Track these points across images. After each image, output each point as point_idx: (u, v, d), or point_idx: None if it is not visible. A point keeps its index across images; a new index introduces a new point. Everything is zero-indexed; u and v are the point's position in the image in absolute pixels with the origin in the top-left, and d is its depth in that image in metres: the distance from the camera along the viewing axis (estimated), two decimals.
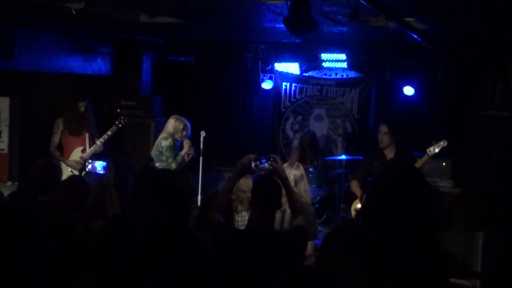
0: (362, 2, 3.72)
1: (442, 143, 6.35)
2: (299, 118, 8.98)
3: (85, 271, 2.89)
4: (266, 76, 8.69)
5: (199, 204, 6.71)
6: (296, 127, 9.01)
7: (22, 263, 2.30)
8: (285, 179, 3.73)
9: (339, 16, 4.64)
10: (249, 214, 4.08)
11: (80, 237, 3.64)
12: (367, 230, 2.06)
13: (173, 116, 7.03)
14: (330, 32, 6.13)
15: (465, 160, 5.86)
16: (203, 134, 7.52)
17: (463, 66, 7.42)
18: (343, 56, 7.94)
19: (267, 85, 8.73)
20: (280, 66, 8.67)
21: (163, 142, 6.81)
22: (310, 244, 4.52)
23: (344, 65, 8.13)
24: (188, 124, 6.95)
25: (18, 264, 2.28)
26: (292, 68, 8.70)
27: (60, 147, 7.12)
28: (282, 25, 4.15)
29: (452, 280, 5.44)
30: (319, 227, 6.84)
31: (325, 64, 8.24)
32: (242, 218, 4.86)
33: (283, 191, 3.68)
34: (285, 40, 7.68)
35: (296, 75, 8.83)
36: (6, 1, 5.04)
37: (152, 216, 3.80)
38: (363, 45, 7.75)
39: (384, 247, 1.99)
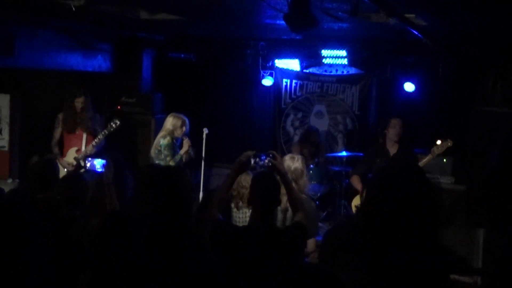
0: None
1: (448, 143, 6.23)
2: (300, 114, 8.98)
3: (85, 269, 2.88)
4: (267, 73, 8.69)
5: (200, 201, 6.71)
6: (297, 123, 9.01)
7: (22, 261, 2.29)
8: (284, 175, 3.71)
9: (340, 13, 4.63)
10: (250, 211, 4.08)
11: (79, 234, 3.64)
12: (368, 227, 2.06)
13: (171, 114, 7.02)
14: (331, 28, 6.12)
15: (466, 156, 5.87)
16: (205, 131, 7.52)
17: (463, 63, 7.40)
18: (343, 53, 7.93)
19: (267, 81, 8.73)
20: (280, 63, 8.67)
21: (161, 140, 6.80)
22: (312, 241, 4.51)
23: (345, 61, 8.12)
24: (187, 121, 6.94)
25: (18, 262, 2.27)
26: (292, 64, 8.69)
27: (61, 143, 7.12)
28: (282, 22, 4.14)
29: (453, 276, 5.44)
30: (320, 224, 6.84)
31: (325, 61, 8.22)
32: (243, 215, 4.86)
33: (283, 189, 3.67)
34: (285, 37, 7.67)
35: (296, 72, 8.82)
36: None
37: (155, 213, 3.80)
38: (363, 41, 7.73)
39: (385, 244, 1.99)
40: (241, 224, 4.68)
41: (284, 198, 3.92)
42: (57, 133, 7.09)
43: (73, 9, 4.92)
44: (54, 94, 7.65)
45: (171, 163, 6.65)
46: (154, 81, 8.82)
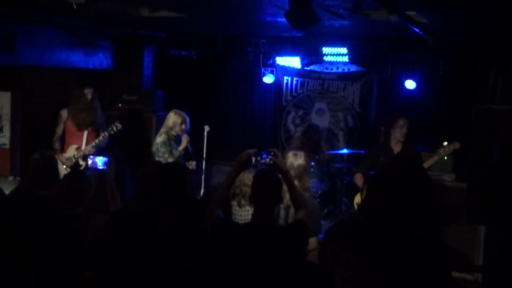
0: None
1: (455, 145, 6.20)
2: (301, 112, 8.98)
3: (88, 266, 2.89)
4: (268, 70, 8.68)
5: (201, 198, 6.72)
6: (298, 121, 9.00)
7: (34, 258, 2.29)
8: (286, 173, 3.70)
9: (341, 10, 4.63)
10: (252, 209, 4.07)
11: (81, 232, 3.65)
12: (368, 225, 2.06)
13: (173, 110, 7.03)
14: (332, 26, 6.11)
15: (467, 154, 5.86)
16: (206, 128, 7.52)
17: (464, 60, 7.40)
18: (344, 50, 7.93)
19: (268, 79, 8.73)
20: (281, 60, 8.67)
21: (158, 138, 6.87)
22: (314, 239, 4.51)
23: (346, 59, 8.12)
24: (187, 119, 6.94)
25: (30, 259, 2.27)
26: (293, 62, 8.69)
27: (63, 140, 7.11)
28: (283, 19, 4.14)
29: (454, 274, 5.44)
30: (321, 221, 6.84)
31: (326, 58, 8.23)
32: (245, 213, 4.86)
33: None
34: (286, 34, 7.67)
35: (297, 69, 8.82)
36: None
37: (158, 211, 3.81)
38: (364, 39, 7.73)
39: (385, 242, 1.99)
40: (243, 222, 4.68)
41: (286, 196, 3.92)
42: (59, 130, 7.08)
43: (74, 6, 4.93)
44: (55, 91, 7.65)
45: (170, 160, 6.66)
46: (155, 78, 8.83)
